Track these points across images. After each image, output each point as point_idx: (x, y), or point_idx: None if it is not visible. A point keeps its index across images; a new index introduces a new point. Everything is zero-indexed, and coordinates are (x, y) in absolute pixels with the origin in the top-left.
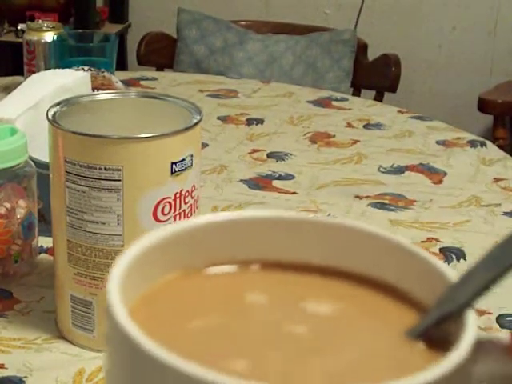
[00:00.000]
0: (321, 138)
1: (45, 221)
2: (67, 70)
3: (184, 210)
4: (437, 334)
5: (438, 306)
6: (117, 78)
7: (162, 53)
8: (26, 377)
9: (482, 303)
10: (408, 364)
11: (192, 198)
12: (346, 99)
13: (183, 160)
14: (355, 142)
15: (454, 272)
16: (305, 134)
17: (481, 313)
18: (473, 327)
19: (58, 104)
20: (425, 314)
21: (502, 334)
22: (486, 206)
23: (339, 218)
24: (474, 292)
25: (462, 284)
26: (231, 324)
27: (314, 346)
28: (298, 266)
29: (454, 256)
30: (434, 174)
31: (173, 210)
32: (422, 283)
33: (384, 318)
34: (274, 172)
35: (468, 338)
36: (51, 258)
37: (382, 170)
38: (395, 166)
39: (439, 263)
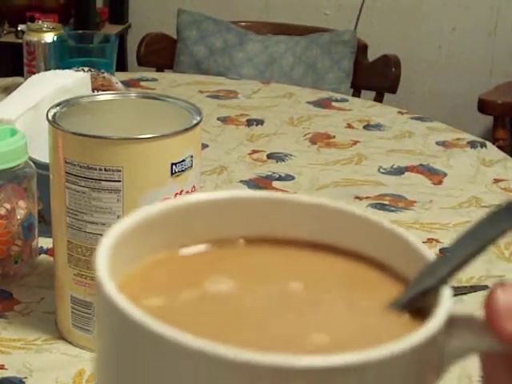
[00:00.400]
0: (321, 139)
1: (45, 222)
2: (67, 71)
3: None
4: (419, 307)
5: (418, 280)
6: (117, 78)
7: (161, 54)
8: (25, 377)
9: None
10: (389, 335)
11: None
12: (346, 100)
13: (183, 161)
14: (355, 142)
15: (431, 251)
16: (305, 135)
17: None
18: (447, 301)
19: (58, 105)
20: (407, 287)
21: (478, 311)
22: (486, 206)
23: (323, 198)
24: (452, 267)
25: (441, 259)
26: (220, 297)
27: (301, 318)
28: (284, 241)
29: None
30: (434, 175)
31: None
32: (404, 259)
33: (370, 290)
34: (274, 173)
35: (441, 311)
36: (51, 258)
37: (382, 170)
38: (395, 166)
39: (417, 243)
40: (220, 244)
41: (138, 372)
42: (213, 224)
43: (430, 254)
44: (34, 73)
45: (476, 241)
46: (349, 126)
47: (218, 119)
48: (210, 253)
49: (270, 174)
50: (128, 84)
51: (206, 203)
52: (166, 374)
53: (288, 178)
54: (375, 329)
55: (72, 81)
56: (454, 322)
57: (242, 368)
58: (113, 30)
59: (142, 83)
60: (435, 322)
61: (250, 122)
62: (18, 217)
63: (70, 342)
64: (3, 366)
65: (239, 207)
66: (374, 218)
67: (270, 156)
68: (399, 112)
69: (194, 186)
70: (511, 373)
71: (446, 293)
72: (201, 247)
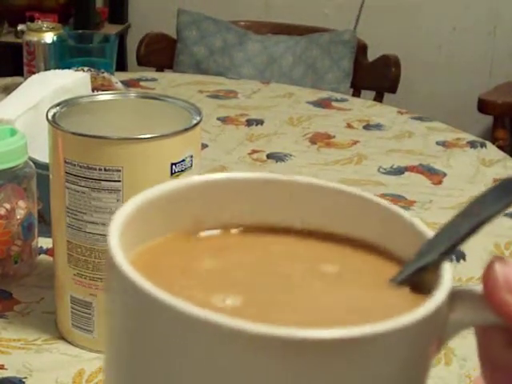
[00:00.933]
0: (321, 139)
1: (44, 221)
2: (67, 71)
3: None
4: (417, 283)
5: (417, 257)
6: (116, 78)
7: (161, 53)
8: (25, 378)
9: None
10: (392, 309)
11: None
12: (346, 100)
13: (183, 161)
14: (355, 142)
15: (428, 228)
16: (304, 135)
17: None
18: (448, 277)
19: (57, 105)
20: (405, 265)
21: (477, 285)
22: None
23: (319, 179)
24: (451, 243)
25: (440, 236)
26: (222, 276)
27: (301, 298)
28: (281, 228)
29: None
30: (434, 175)
31: None
32: (401, 238)
33: (366, 270)
34: (274, 173)
35: (445, 285)
36: (51, 258)
37: (381, 170)
38: (395, 166)
39: (415, 220)
40: (226, 227)
41: (153, 346)
42: (218, 205)
43: (428, 231)
44: (33, 73)
45: (475, 217)
46: (349, 125)
47: (218, 119)
48: (216, 236)
49: None
50: (128, 84)
51: (212, 183)
52: (178, 345)
53: None
54: (378, 303)
55: (72, 81)
56: (454, 296)
57: (254, 340)
58: (113, 29)
59: (141, 83)
60: (440, 295)
61: (249, 122)
62: (18, 217)
63: (70, 342)
64: (3, 366)
65: (237, 188)
66: (368, 196)
67: (269, 156)
68: (399, 112)
69: None
70: (508, 346)
71: (447, 267)
72: (202, 233)
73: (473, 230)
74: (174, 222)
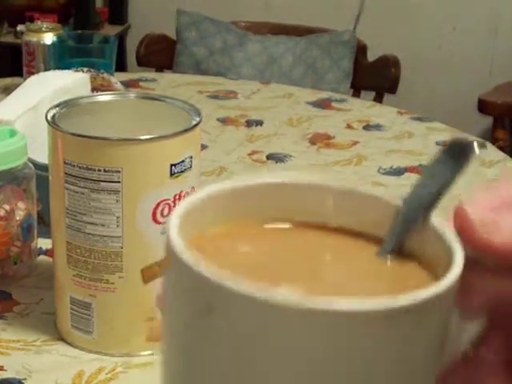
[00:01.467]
0: (320, 140)
1: (44, 222)
2: (67, 71)
3: None
4: (403, 248)
5: (395, 226)
6: (116, 79)
7: (161, 54)
8: (25, 379)
9: None
10: (398, 276)
11: None
12: (346, 100)
13: (182, 162)
14: (355, 143)
15: (394, 196)
16: (304, 136)
17: None
18: (455, 239)
19: (57, 105)
20: (385, 237)
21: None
22: None
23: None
24: (426, 206)
25: (411, 202)
26: (271, 260)
27: (331, 274)
28: (315, 225)
29: None
30: None
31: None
32: (384, 218)
33: (358, 253)
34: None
35: (458, 250)
36: (50, 259)
37: (381, 171)
38: (395, 167)
39: (382, 194)
40: (271, 222)
41: (219, 332)
42: (267, 204)
43: (395, 199)
44: (33, 73)
45: (440, 178)
46: (348, 126)
47: (218, 120)
48: (260, 230)
49: None
50: (127, 84)
51: (264, 186)
52: (242, 326)
53: None
54: (389, 274)
55: (71, 81)
56: None
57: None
58: (112, 30)
59: (141, 83)
60: (460, 257)
61: (249, 123)
62: (18, 218)
63: (70, 343)
64: (2, 367)
65: (287, 190)
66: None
67: (269, 157)
68: (399, 112)
69: (193, 187)
70: (482, 276)
71: (448, 233)
72: (263, 225)
73: (443, 189)
74: (231, 216)
